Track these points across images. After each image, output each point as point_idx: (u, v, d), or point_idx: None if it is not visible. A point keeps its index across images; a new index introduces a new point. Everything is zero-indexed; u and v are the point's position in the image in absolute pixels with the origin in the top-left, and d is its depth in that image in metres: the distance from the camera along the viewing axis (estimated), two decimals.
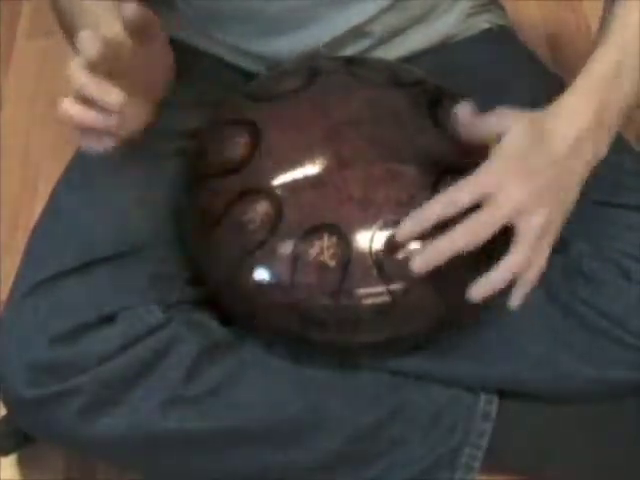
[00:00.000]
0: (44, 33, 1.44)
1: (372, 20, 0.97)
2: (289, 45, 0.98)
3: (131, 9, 0.76)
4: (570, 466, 0.95)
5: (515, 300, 0.80)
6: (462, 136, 0.80)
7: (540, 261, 0.79)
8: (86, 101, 0.76)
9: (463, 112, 0.80)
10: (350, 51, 0.99)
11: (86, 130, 0.78)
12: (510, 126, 0.78)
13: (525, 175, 0.78)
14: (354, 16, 0.97)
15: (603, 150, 0.83)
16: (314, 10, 0.95)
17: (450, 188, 0.77)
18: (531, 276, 0.79)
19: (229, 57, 1.02)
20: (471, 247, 0.76)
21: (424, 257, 0.77)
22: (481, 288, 0.77)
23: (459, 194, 0.77)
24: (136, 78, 0.81)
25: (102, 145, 0.79)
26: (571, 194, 0.81)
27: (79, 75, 0.75)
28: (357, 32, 0.98)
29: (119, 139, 0.79)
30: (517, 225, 0.77)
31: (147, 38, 0.79)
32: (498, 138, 0.78)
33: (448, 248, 0.76)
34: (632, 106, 0.84)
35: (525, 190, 0.77)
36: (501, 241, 0.79)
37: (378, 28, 0.98)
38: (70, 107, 0.76)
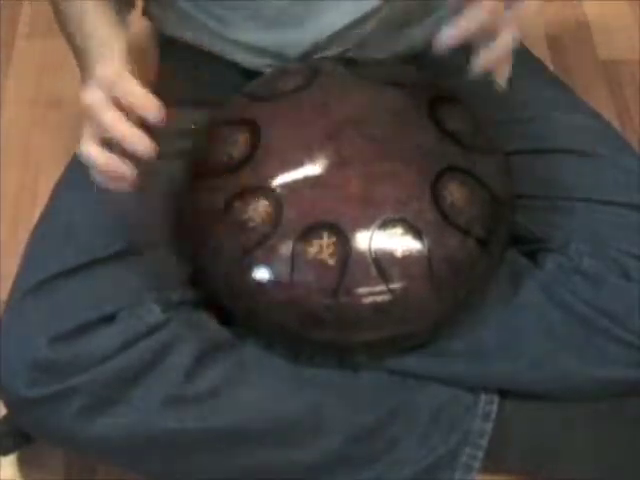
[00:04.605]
0: (44, 33, 1.44)
1: (370, 14, 0.97)
2: (293, 38, 0.97)
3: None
4: (570, 466, 0.95)
5: (501, 76, 0.79)
6: None
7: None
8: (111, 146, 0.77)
9: None
10: (350, 43, 0.99)
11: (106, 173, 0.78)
12: None
13: None
14: (352, 9, 0.96)
15: None
16: (315, 3, 0.95)
17: None
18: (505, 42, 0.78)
19: (231, 53, 1.01)
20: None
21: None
22: (454, 31, 0.76)
23: None
24: None
25: (120, 186, 0.79)
26: None
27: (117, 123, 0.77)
28: (356, 25, 0.97)
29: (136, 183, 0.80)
30: None
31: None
32: None
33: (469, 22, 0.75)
34: None
35: None
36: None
37: (375, 22, 0.98)
38: (94, 152, 0.77)
